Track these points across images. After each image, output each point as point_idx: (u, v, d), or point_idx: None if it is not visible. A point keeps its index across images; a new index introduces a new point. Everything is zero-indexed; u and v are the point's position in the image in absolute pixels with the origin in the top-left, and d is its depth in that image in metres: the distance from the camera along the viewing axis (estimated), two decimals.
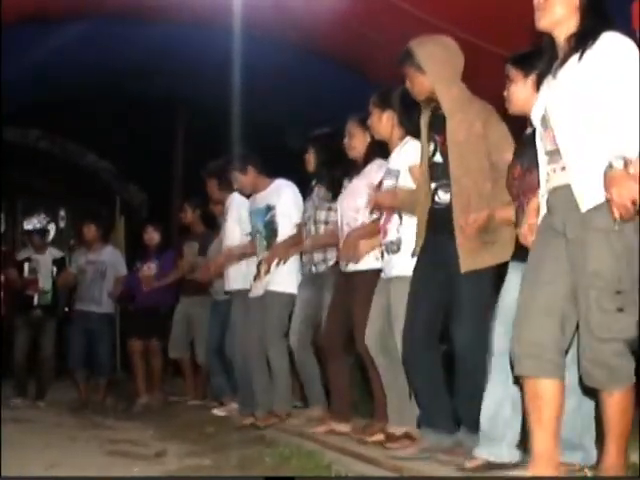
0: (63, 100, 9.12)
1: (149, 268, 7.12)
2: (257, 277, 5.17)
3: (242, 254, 5.47)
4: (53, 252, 7.84)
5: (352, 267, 4.27)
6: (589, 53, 2.61)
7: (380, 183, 4.08)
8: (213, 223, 6.71)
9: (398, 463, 3.29)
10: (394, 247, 3.88)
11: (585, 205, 2.56)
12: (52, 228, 7.94)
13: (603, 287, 2.55)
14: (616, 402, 2.60)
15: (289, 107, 8.04)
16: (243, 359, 5.28)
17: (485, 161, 3.41)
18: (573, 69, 2.66)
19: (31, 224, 7.63)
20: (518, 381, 2.88)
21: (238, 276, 5.51)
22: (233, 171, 5.37)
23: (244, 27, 6.41)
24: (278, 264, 5.00)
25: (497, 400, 3.09)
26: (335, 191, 4.63)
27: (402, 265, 3.76)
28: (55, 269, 7.64)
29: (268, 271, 5.02)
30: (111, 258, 7.49)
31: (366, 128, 4.27)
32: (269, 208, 5.14)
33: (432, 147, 3.58)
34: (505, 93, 3.06)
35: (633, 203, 2.43)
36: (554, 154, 2.71)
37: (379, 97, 4.12)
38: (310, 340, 4.85)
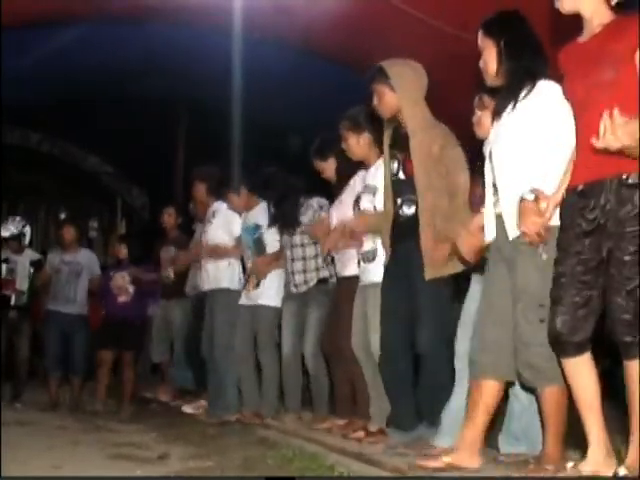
0: (63, 102, 9.12)
1: (123, 277, 7.20)
2: (246, 288, 5.56)
3: (224, 253, 5.79)
4: (30, 254, 7.91)
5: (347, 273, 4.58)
6: (525, 99, 3.05)
7: (358, 198, 4.37)
8: (188, 230, 7.01)
9: (399, 465, 3.31)
10: (370, 256, 4.21)
11: (510, 235, 3.01)
12: (28, 231, 8.11)
13: (528, 301, 2.95)
14: (548, 398, 3.01)
15: (289, 108, 8.04)
16: (221, 359, 5.64)
17: (443, 180, 3.68)
18: (512, 112, 3.09)
19: (8, 231, 7.76)
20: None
21: (218, 276, 5.80)
22: (227, 192, 5.73)
23: (244, 28, 6.42)
24: (259, 279, 5.43)
25: (463, 399, 3.43)
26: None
27: (377, 273, 4.05)
28: (32, 270, 7.69)
29: (257, 285, 5.43)
30: (87, 260, 7.60)
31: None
32: (257, 227, 5.54)
33: (395, 165, 3.85)
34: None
35: (538, 234, 2.85)
36: (495, 186, 3.13)
37: (352, 121, 4.39)
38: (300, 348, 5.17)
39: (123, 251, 7.33)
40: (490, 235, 3.17)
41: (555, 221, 2.87)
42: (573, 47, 2.86)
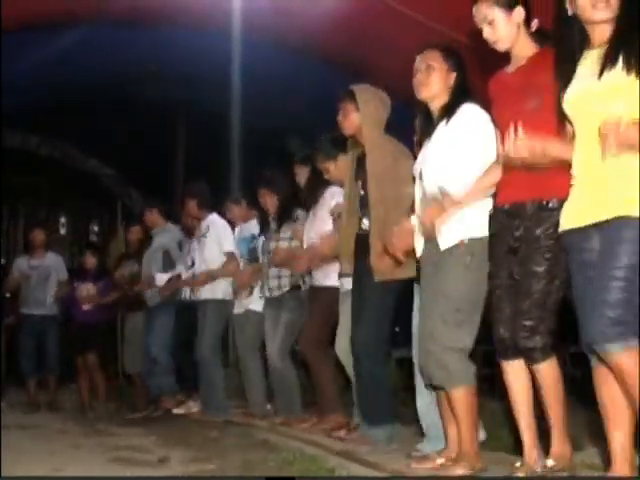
0: (63, 105, 9.12)
1: (87, 290, 7.50)
2: (238, 296, 5.84)
3: (218, 276, 6.08)
4: None
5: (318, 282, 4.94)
6: (453, 120, 3.33)
7: (340, 215, 4.59)
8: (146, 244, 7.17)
9: (399, 468, 3.32)
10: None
11: (442, 246, 3.23)
12: None
13: (446, 304, 3.18)
14: (457, 400, 3.19)
15: (288, 111, 8.04)
16: (213, 363, 6.00)
17: (396, 191, 3.93)
18: (440, 132, 3.37)
19: None
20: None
21: (214, 286, 6.11)
22: (228, 202, 6.12)
23: (244, 31, 6.43)
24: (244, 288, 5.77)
25: (426, 403, 3.71)
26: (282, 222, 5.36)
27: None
28: None
29: (250, 293, 5.73)
30: (54, 263, 7.79)
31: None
32: (254, 237, 5.82)
33: (360, 183, 4.17)
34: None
35: (431, 224, 3.17)
36: (424, 201, 3.38)
37: (325, 152, 4.73)
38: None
39: (90, 260, 7.65)
40: (419, 248, 3.43)
41: (482, 232, 3.12)
42: (501, 77, 3.10)
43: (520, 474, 2.92)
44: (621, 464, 2.53)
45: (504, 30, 3.01)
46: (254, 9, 6.24)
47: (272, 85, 7.50)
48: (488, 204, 3.14)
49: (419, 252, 3.44)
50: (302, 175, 5.27)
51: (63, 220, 13.86)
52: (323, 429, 4.64)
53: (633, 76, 2.45)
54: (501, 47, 3.06)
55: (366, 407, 4.15)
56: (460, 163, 3.24)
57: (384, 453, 3.72)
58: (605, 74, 2.51)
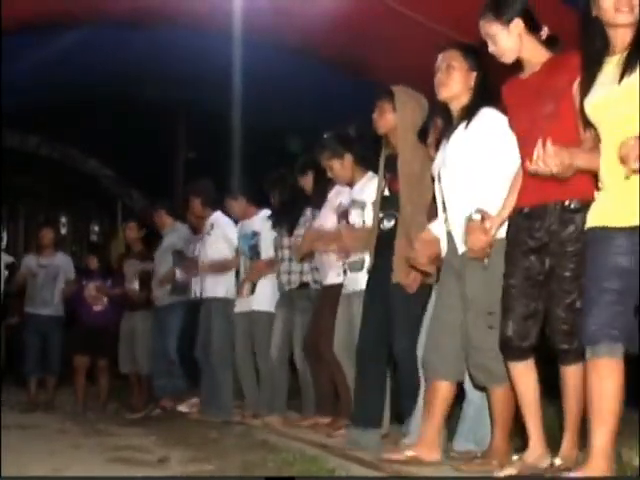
0: (63, 105, 9.13)
1: (96, 287, 7.52)
2: (240, 294, 5.83)
3: (223, 267, 6.11)
4: (4, 257, 8.00)
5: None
6: (473, 123, 3.33)
7: (346, 212, 4.64)
8: (151, 243, 7.30)
9: (399, 468, 3.32)
10: (357, 266, 4.46)
11: (460, 250, 3.30)
12: (4, 236, 8.43)
13: (477, 309, 3.22)
14: (497, 397, 3.27)
15: (289, 111, 8.05)
16: (218, 363, 5.98)
17: (423, 198, 3.92)
18: (460, 135, 3.37)
19: None
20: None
21: (217, 285, 6.13)
22: (227, 198, 6.06)
23: (244, 31, 6.43)
24: (251, 281, 5.74)
25: None
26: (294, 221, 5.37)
27: (363, 282, 4.30)
28: (7, 273, 7.79)
29: (252, 291, 5.71)
30: (63, 263, 7.77)
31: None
32: (255, 234, 5.82)
33: (383, 183, 4.16)
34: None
35: (483, 250, 3.13)
36: (445, 205, 3.43)
37: (331, 150, 4.73)
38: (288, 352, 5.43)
39: (93, 261, 7.67)
40: (443, 250, 3.47)
41: (501, 234, 3.15)
42: (516, 83, 3.14)
43: (509, 470, 2.97)
44: (597, 460, 2.53)
45: (506, 44, 3.08)
46: (254, 9, 6.24)
47: (272, 85, 7.50)
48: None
49: (444, 251, 3.47)
50: (307, 182, 5.32)
51: (64, 220, 13.86)
52: (325, 430, 4.65)
53: None
54: (507, 60, 3.12)
55: (364, 410, 4.11)
56: (481, 169, 3.28)
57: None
58: (625, 79, 2.54)
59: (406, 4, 5.51)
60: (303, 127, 7.16)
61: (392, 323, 4.01)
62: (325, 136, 4.92)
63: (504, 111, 3.25)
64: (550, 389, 3.15)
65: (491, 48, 3.13)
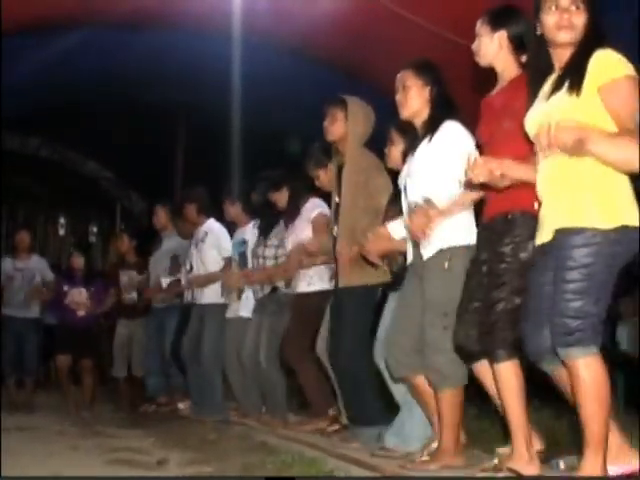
0: (63, 108, 9.14)
1: (80, 293, 7.52)
2: (227, 300, 5.96)
3: (214, 279, 6.16)
4: None
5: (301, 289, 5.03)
6: (435, 137, 3.47)
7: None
8: (145, 253, 7.36)
9: (397, 470, 3.33)
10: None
11: (425, 256, 3.41)
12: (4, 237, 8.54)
13: (434, 309, 3.33)
14: (447, 400, 3.33)
15: (289, 113, 8.06)
16: (211, 365, 6.01)
17: (368, 202, 4.17)
18: (424, 148, 3.51)
19: None
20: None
21: (215, 291, 6.17)
22: (225, 199, 6.11)
23: (244, 34, 6.43)
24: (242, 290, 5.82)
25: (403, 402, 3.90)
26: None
27: None
28: None
29: (239, 297, 5.79)
30: (39, 266, 7.83)
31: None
32: (244, 241, 5.88)
33: (337, 191, 4.35)
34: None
35: (423, 232, 3.30)
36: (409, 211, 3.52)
37: (315, 160, 4.86)
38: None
39: (78, 260, 7.67)
40: (410, 256, 3.58)
41: (462, 241, 3.33)
42: (487, 99, 3.28)
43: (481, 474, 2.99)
44: (590, 455, 2.54)
45: (484, 46, 3.23)
46: (254, 12, 6.25)
47: (272, 88, 7.51)
48: (468, 216, 3.38)
49: (410, 259, 3.58)
50: (280, 198, 5.39)
51: (62, 221, 13.86)
52: (318, 429, 4.72)
53: (574, 97, 2.59)
54: (481, 61, 3.28)
55: (353, 409, 4.29)
56: (444, 180, 3.41)
57: (383, 454, 3.73)
58: (552, 96, 2.67)
59: (406, 7, 5.52)
60: (303, 130, 7.17)
61: (339, 325, 4.19)
62: (311, 147, 5.00)
63: (465, 122, 3.45)
64: (550, 390, 3.16)
65: (474, 45, 3.27)
